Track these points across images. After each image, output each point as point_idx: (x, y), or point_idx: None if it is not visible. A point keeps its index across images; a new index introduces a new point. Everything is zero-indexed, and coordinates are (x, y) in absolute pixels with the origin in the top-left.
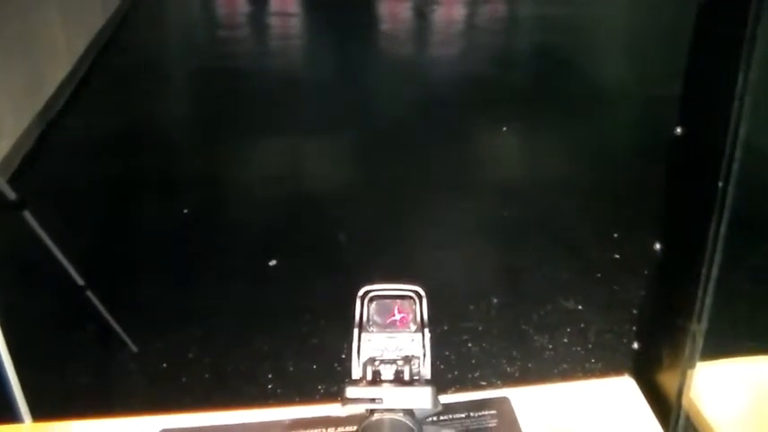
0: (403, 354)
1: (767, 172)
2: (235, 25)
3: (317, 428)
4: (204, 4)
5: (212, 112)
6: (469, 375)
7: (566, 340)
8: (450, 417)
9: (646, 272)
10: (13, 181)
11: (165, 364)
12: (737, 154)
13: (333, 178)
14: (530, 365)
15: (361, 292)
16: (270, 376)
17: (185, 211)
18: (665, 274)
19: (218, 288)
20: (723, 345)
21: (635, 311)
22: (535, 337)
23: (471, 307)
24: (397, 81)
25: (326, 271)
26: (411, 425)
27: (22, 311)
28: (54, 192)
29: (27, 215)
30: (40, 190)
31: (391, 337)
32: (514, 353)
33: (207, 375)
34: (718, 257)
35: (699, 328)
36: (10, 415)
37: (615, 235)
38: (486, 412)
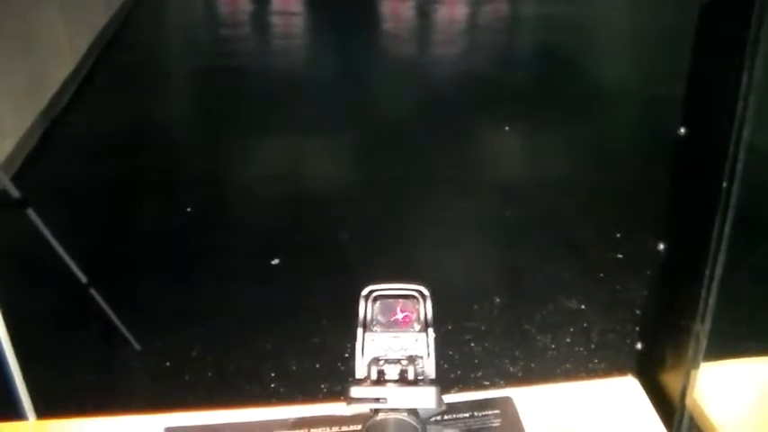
0: (407, 353)
1: None
2: (237, 24)
3: (322, 427)
4: (207, 3)
5: (214, 110)
6: (472, 375)
7: (568, 340)
8: (454, 416)
9: (648, 272)
10: (16, 180)
11: (168, 363)
12: (741, 154)
13: (334, 178)
14: (533, 365)
15: (364, 292)
16: (272, 375)
17: (188, 209)
18: (669, 275)
19: (219, 287)
20: (727, 345)
21: (638, 311)
22: (538, 337)
23: (474, 307)
24: (399, 80)
25: (328, 270)
26: (415, 424)
27: (25, 309)
28: (56, 191)
29: (30, 213)
30: (43, 189)
31: (395, 336)
32: (517, 353)
33: (210, 374)
34: (721, 258)
35: (702, 328)
36: (14, 412)
37: (618, 235)
38: (490, 412)
